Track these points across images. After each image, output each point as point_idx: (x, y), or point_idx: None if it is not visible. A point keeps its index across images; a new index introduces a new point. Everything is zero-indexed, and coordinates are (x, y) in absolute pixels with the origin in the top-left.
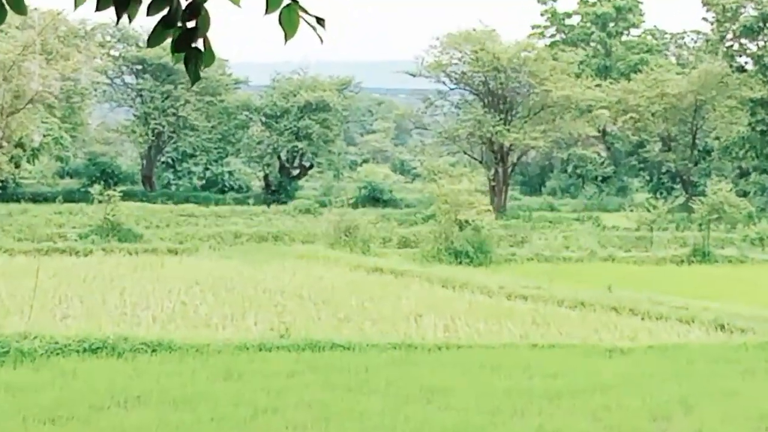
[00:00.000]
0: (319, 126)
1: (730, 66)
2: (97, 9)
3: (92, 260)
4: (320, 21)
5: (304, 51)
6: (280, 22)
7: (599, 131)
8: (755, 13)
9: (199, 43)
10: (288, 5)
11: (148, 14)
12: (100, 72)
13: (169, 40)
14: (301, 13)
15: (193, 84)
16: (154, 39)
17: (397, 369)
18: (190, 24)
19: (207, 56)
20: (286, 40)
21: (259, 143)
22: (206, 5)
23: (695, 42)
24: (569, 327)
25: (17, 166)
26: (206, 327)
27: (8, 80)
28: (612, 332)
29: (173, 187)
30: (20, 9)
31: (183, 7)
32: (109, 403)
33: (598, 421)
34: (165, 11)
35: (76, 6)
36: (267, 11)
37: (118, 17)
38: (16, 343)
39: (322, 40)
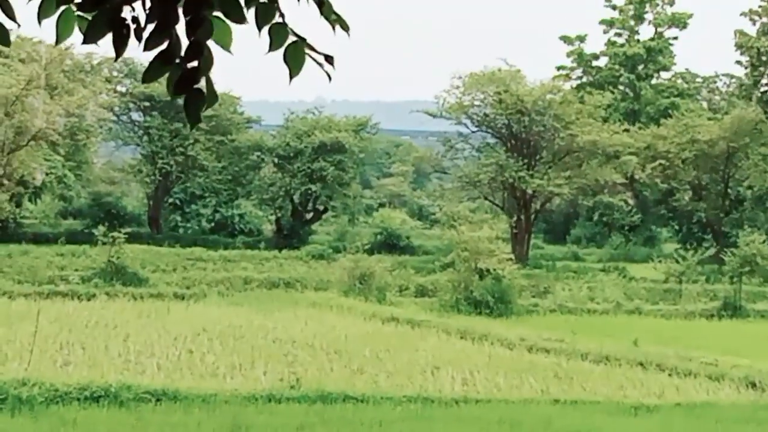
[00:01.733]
0: (333, 168)
1: (765, 112)
2: (85, 42)
3: (95, 305)
4: (329, 59)
5: (318, 90)
6: (285, 60)
7: (627, 178)
8: None
9: (201, 84)
10: (294, 42)
11: (145, 49)
12: (106, 108)
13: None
14: (307, 51)
15: (192, 128)
16: (149, 74)
17: (413, 424)
18: (192, 64)
19: (209, 98)
20: (291, 77)
21: (271, 185)
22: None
23: (728, 86)
24: (593, 382)
25: (18, 205)
26: (213, 376)
27: (10, 116)
28: (638, 389)
29: (181, 230)
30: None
31: (184, 44)
32: None
33: None
34: (163, 46)
35: (57, 42)
36: (270, 48)
37: (117, 53)
38: (15, 390)
39: (330, 78)
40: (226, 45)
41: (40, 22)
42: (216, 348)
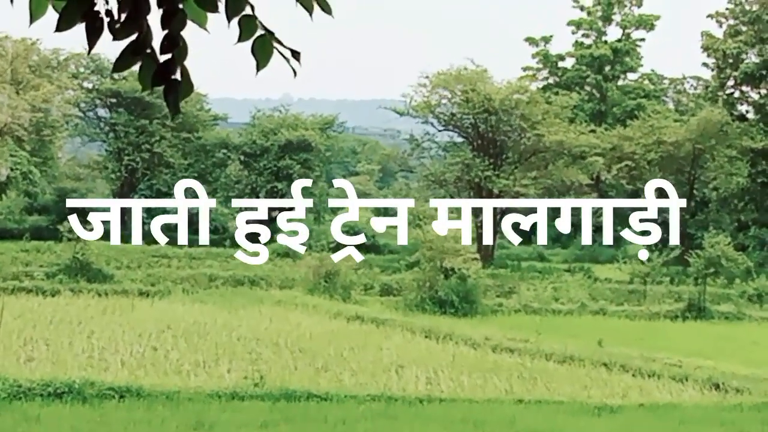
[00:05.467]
0: (300, 166)
1: (731, 114)
2: (57, 29)
3: (59, 301)
4: (295, 54)
5: (285, 88)
6: (253, 52)
7: (593, 179)
8: (757, 60)
9: (177, 74)
10: (262, 35)
11: (114, 39)
12: (72, 104)
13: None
14: (275, 45)
15: (173, 117)
16: (120, 64)
17: (376, 422)
18: (166, 56)
19: (185, 88)
20: (258, 69)
21: (237, 183)
22: (184, 37)
23: (695, 88)
24: (557, 382)
25: None
26: (177, 374)
27: None
28: (602, 389)
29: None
30: None
31: (157, 37)
32: None
33: None
34: (134, 36)
35: (31, 21)
36: (239, 39)
37: (90, 45)
38: None
39: (295, 73)
40: (201, 23)
41: (12, 1)
42: (180, 345)
